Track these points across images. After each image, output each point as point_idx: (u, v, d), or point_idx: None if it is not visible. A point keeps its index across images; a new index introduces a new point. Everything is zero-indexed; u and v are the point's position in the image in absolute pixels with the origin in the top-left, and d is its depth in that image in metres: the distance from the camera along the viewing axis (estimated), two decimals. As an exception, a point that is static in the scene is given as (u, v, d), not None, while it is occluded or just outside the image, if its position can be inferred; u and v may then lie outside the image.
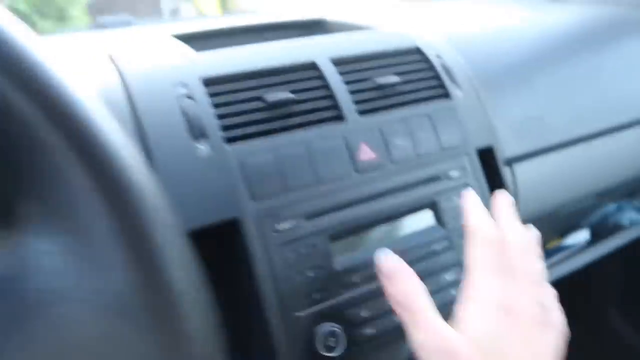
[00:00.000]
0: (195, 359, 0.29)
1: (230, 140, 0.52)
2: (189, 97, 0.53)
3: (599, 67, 0.84)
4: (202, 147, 0.51)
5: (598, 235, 1.02)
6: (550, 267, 0.93)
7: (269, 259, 0.51)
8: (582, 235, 1.00)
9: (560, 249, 0.97)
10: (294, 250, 0.52)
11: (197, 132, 0.52)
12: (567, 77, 0.81)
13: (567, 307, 1.46)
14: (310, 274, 0.53)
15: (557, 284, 0.99)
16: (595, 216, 1.08)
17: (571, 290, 1.39)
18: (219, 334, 0.33)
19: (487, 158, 0.67)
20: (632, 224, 1.02)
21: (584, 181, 0.82)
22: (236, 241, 0.52)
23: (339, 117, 0.58)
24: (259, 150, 0.53)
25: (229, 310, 0.59)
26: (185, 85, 0.53)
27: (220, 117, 0.53)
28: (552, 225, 1.04)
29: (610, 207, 1.09)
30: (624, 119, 0.83)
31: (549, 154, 0.76)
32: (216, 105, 0.53)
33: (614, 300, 1.36)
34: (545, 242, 1.08)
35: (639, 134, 0.85)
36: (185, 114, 0.52)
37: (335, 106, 0.58)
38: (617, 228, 1.02)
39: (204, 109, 0.52)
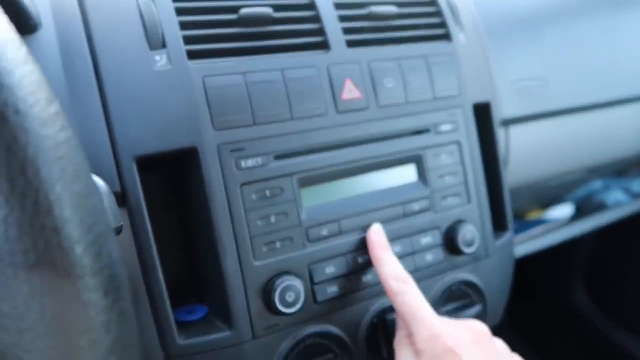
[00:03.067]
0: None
1: (194, 55, 0.45)
2: None
3: (618, 32, 0.76)
4: (160, 60, 0.44)
5: (581, 211, 0.98)
6: (529, 239, 0.89)
7: (229, 199, 0.45)
8: (564, 210, 0.96)
9: (540, 222, 0.93)
10: (257, 192, 0.46)
11: (156, 40, 0.44)
12: (582, 38, 0.73)
13: (532, 280, 1.45)
14: (273, 220, 0.46)
15: (528, 260, 0.96)
16: (581, 191, 1.03)
17: (538, 268, 1.37)
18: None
19: (482, 115, 0.60)
20: (616, 204, 0.98)
21: (579, 154, 0.76)
22: (194, 174, 0.45)
23: (324, 45, 0.50)
24: (227, 72, 0.45)
25: (188, 245, 0.53)
26: None
27: (185, 25, 0.45)
28: (535, 195, 0.99)
29: (597, 183, 1.05)
30: (633, 91, 0.76)
31: (548, 119, 0.70)
32: (180, 11, 0.45)
33: (579, 276, 1.34)
34: (526, 210, 1.04)
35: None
36: (142, 17, 0.44)
37: (321, 31, 0.50)
38: (601, 207, 0.98)
39: (166, 13, 0.44)
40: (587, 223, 0.94)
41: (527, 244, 0.89)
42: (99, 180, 0.27)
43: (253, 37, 0.47)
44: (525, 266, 1.36)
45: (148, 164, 0.45)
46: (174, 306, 0.51)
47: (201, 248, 0.48)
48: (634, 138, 0.80)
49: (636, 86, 0.76)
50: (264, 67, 0.46)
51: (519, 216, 1.04)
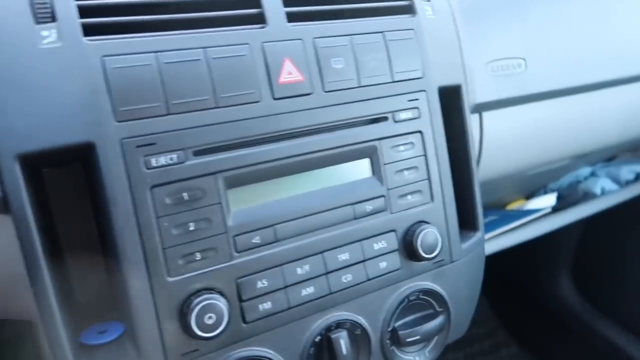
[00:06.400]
0: None
1: (91, 29, 0.37)
2: None
3: (608, 7, 0.69)
4: (49, 35, 0.36)
5: (565, 201, 0.92)
6: (507, 232, 0.82)
7: (135, 204, 0.37)
8: (547, 201, 0.90)
9: (521, 213, 0.87)
10: (172, 195, 0.38)
11: (43, 12, 0.36)
12: (568, 14, 0.66)
13: (516, 273, 1.38)
14: (193, 228, 0.39)
15: (512, 248, 0.90)
16: (565, 180, 0.97)
17: (522, 256, 1.32)
18: None
19: (451, 100, 0.53)
20: (604, 193, 0.92)
21: (562, 142, 0.69)
22: (95, 174, 0.38)
23: (259, 19, 0.42)
24: (133, 50, 0.37)
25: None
26: None
27: None
28: (516, 184, 0.93)
29: (583, 170, 0.98)
30: (623, 73, 0.69)
31: (528, 104, 0.63)
32: None
33: (566, 268, 1.29)
34: (507, 201, 0.97)
35: (635, 92, 0.72)
36: None
37: (256, 2, 0.42)
38: (587, 196, 0.91)
39: None
40: (570, 214, 0.87)
41: (506, 237, 0.83)
42: None
43: (169, 9, 0.40)
44: (509, 258, 1.30)
45: (54, 158, 0.38)
46: (91, 322, 0.44)
47: (110, 259, 0.41)
48: (622, 123, 0.73)
49: (626, 67, 0.68)
50: (181, 45, 0.39)
51: (499, 206, 0.98)
